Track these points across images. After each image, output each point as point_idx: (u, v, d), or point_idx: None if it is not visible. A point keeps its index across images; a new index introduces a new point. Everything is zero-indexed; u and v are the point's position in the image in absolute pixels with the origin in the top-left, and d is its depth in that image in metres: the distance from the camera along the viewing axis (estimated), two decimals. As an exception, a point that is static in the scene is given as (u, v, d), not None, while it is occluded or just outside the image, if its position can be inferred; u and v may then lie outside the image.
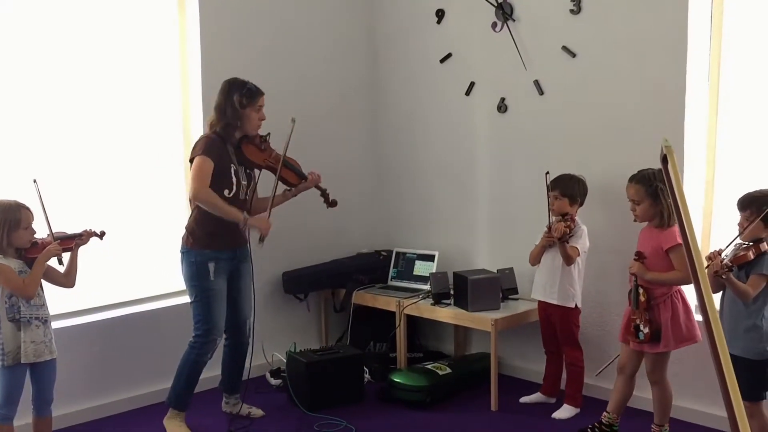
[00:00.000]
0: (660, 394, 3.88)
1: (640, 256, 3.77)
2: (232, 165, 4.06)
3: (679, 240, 3.72)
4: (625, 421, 4.10)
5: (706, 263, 3.48)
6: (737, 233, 3.45)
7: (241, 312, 4.31)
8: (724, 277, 3.30)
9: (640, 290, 3.74)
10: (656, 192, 3.73)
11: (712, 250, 3.46)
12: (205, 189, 3.93)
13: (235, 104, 4.01)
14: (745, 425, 1.40)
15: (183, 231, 4.12)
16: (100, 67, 4.45)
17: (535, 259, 4.42)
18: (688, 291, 3.89)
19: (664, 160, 1.95)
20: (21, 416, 3.65)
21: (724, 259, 3.39)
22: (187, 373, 4.12)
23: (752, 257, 3.33)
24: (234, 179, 4.05)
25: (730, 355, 3.38)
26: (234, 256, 4.15)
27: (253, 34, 5.01)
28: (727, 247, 3.44)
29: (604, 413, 4.02)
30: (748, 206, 3.42)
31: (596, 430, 4.02)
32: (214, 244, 4.02)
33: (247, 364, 4.32)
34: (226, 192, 4.02)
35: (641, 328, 3.75)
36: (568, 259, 4.21)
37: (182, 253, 4.11)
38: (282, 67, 5.17)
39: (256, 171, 4.23)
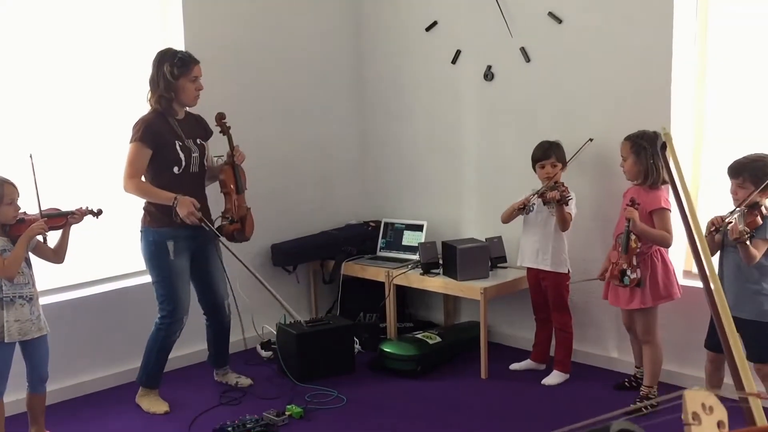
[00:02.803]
0: (650, 354, 3.98)
1: (633, 202, 3.81)
2: (176, 141, 3.97)
3: (663, 204, 3.83)
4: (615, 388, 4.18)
5: (708, 229, 3.48)
6: (733, 200, 3.46)
7: (217, 294, 4.29)
8: (748, 243, 3.32)
9: (632, 236, 3.77)
10: (639, 150, 3.83)
11: (714, 216, 3.47)
12: (132, 181, 3.90)
13: (167, 75, 3.90)
14: (748, 378, 1.46)
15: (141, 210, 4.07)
16: (81, 42, 4.39)
17: (508, 218, 4.42)
18: (673, 250, 3.99)
19: (663, 147, 1.96)
20: (14, 392, 3.66)
21: (731, 223, 3.37)
22: (156, 354, 4.11)
23: (761, 222, 3.37)
24: (182, 154, 3.97)
25: (739, 318, 3.47)
26: (195, 235, 4.06)
27: (235, 5, 4.95)
28: (731, 213, 3.41)
29: (635, 368, 4.21)
30: (741, 172, 3.42)
31: (632, 383, 4.18)
32: (172, 222, 3.94)
33: (240, 338, 4.31)
34: (175, 169, 3.96)
35: (628, 273, 3.81)
36: (565, 224, 4.22)
37: (141, 232, 4.06)
38: (266, 37, 5.12)
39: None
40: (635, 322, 4.02)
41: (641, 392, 4.00)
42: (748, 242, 3.31)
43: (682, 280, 4.12)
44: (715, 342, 3.57)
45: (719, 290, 1.69)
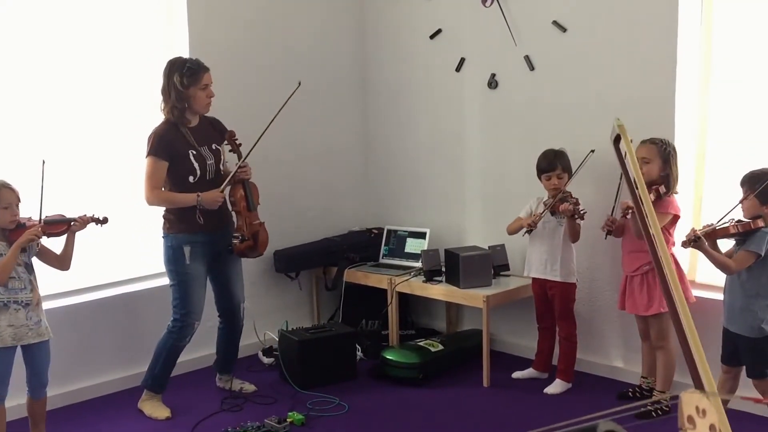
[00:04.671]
0: (664, 360, 3.99)
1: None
2: (190, 150, 4.00)
3: (671, 210, 3.89)
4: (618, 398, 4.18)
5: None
6: (730, 209, 3.48)
7: (234, 297, 4.31)
8: (686, 247, 3.45)
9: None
10: (668, 156, 3.86)
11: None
12: (154, 193, 3.96)
13: (177, 85, 3.93)
14: (708, 377, 1.47)
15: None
16: (87, 47, 4.40)
17: (514, 231, 4.42)
18: (679, 257, 4.02)
19: (617, 140, 1.94)
20: (16, 396, 3.65)
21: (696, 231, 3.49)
22: (164, 358, 4.12)
23: (732, 231, 3.39)
24: (196, 164, 4.00)
25: (732, 333, 3.49)
26: (213, 240, 4.10)
27: (241, 10, 4.96)
28: (718, 221, 3.46)
29: (641, 379, 4.19)
30: (744, 184, 3.47)
31: (636, 394, 4.16)
32: (188, 228, 4.00)
33: (242, 344, 4.31)
34: (190, 179, 3.99)
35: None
36: (576, 236, 4.24)
37: (162, 238, 4.11)
38: (270, 44, 5.13)
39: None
40: (650, 328, 4.03)
41: (655, 396, 4.01)
42: (689, 247, 3.43)
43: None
44: (726, 355, 3.59)
45: (675, 279, 1.70)
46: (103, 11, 4.46)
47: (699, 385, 1.47)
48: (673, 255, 3.94)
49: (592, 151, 4.17)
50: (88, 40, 4.41)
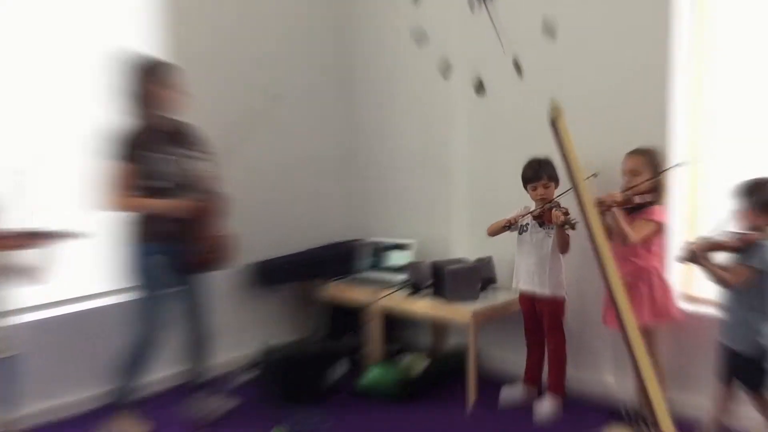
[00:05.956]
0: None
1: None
2: (163, 154, 3.91)
3: (657, 217, 3.84)
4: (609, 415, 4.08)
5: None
6: (725, 220, 3.45)
7: (201, 307, 4.24)
8: (683, 263, 3.46)
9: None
10: (659, 167, 3.84)
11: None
12: (124, 199, 3.83)
13: (138, 86, 3.86)
14: (657, 395, 1.38)
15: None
16: (67, 52, 4.35)
17: (494, 232, 4.30)
18: (671, 269, 3.99)
19: (554, 123, 1.90)
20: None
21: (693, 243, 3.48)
22: (132, 372, 4.03)
23: (729, 244, 3.36)
24: (168, 167, 3.92)
25: (729, 348, 3.41)
26: (182, 251, 4.01)
27: (222, 17, 4.89)
28: (714, 233, 3.44)
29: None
30: (739, 195, 3.40)
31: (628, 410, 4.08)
32: (160, 237, 3.92)
33: (223, 359, 4.22)
34: (162, 183, 3.90)
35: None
36: (566, 246, 4.14)
37: (127, 245, 4.01)
38: (253, 51, 5.06)
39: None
40: None
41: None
42: (702, 263, 3.40)
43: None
44: (723, 371, 3.53)
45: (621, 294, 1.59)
46: (82, 19, 4.39)
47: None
48: (656, 267, 3.90)
49: (594, 175, 4.06)
50: (69, 49, 4.35)
